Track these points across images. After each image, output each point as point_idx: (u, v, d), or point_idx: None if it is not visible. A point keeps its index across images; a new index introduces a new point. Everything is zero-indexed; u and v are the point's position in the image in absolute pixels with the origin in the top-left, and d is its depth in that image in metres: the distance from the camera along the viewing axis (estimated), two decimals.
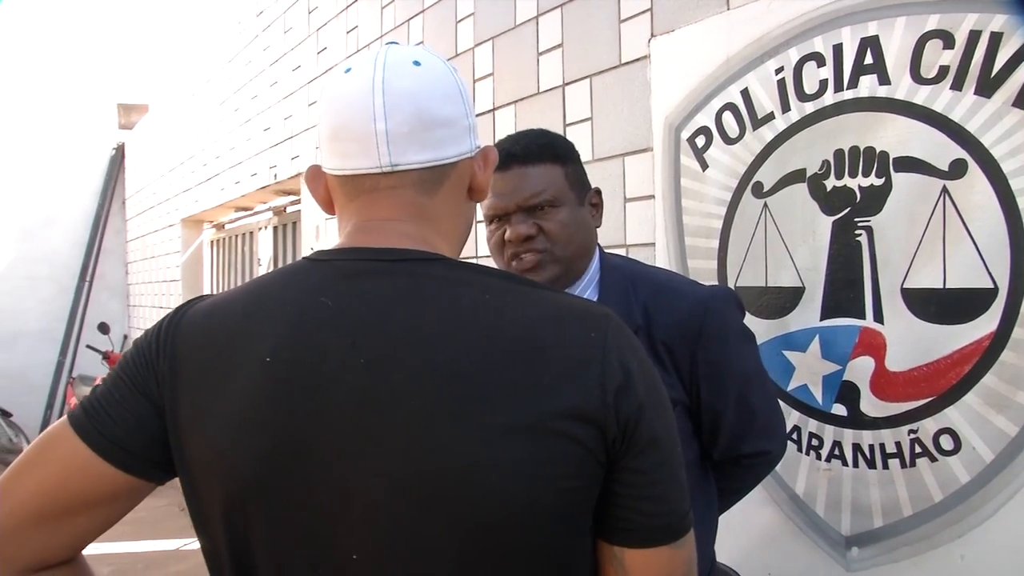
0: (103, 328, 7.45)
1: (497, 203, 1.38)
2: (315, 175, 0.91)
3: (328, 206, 0.92)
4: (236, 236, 6.64)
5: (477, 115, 2.89)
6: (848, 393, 1.71)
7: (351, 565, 0.75)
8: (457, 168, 0.88)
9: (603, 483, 0.78)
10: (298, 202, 5.05)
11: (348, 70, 0.86)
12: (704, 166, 2.03)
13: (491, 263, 1.45)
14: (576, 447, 0.74)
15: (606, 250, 2.26)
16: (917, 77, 1.59)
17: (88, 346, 8.42)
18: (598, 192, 1.49)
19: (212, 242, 7.33)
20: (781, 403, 1.80)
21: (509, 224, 1.37)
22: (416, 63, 0.85)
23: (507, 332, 0.77)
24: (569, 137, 2.42)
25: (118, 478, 0.81)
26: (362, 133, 0.82)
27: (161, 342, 0.84)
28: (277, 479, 0.76)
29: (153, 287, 8.58)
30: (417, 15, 3.35)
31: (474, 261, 2.91)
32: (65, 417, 0.84)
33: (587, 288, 1.43)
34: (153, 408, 0.82)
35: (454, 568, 0.73)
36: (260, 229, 6.05)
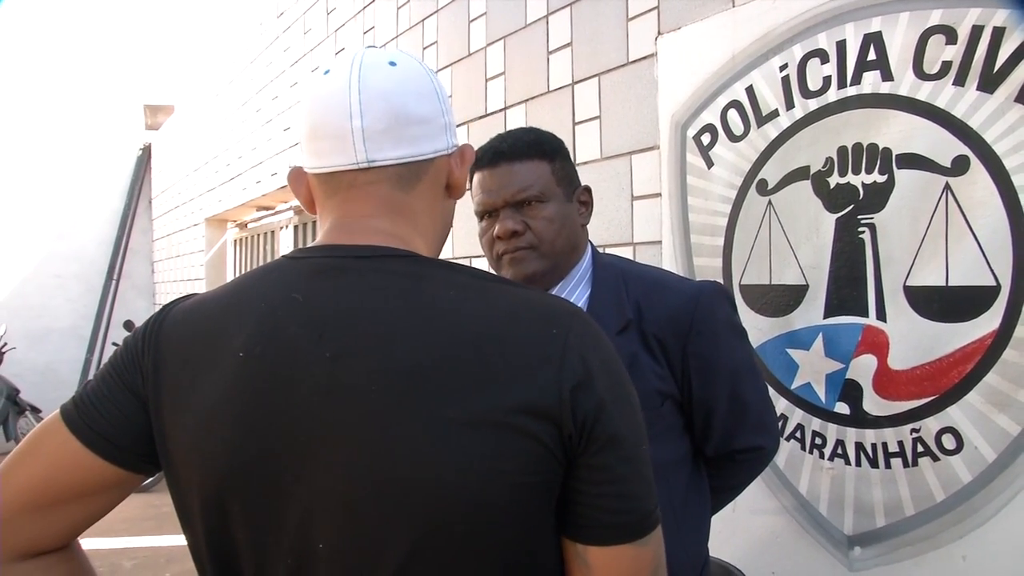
0: (129, 326, 7.54)
1: (486, 199, 1.41)
2: (297, 176, 0.93)
3: (310, 205, 0.93)
4: (258, 235, 6.71)
5: (489, 114, 2.93)
6: (851, 391, 1.70)
7: (318, 553, 0.77)
8: (434, 165, 0.89)
9: (565, 480, 0.78)
10: None
11: (327, 72, 0.88)
12: (710, 164, 2.02)
13: (484, 262, 1.46)
14: (532, 443, 0.74)
15: (614, 248, 2.28)
16: (920, 73, 1.58)
17: (115, 344, 8.53)
18: (587, 190, 1.50)
19: (235, 241, 7.42)
20: (785, 401, 1.81)
21: (498, 220, 1.39)
22: (392, 63, 0.87)
23: (468, 328, 0.78)
24: (578, 135, 2.44)
25: (106, 470, 0.84)
26: (339, 131, 0.84)
27: (146, 340, 0.86)
28: (251, 470, 0.78)
29: (178, 286, 8.68)
30: (431, 15, 3.37)
31: (466, 260, 2.93)
32: (57, 411, 0.87)
33: (579, 283, 1.44)
34: (139, 403, 0.84)
35: (406, 560, 0.74)
36: (281, 228, 6.11)
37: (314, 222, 5.36)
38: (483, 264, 2.95)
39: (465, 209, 2.95)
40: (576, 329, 0.80)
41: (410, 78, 0.87)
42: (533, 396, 0.75)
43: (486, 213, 1.42)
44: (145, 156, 10.29)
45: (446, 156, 0.91)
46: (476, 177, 1.44)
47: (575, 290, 1.43)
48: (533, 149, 1.41)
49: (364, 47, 0.90)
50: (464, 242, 3.11)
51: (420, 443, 0.74)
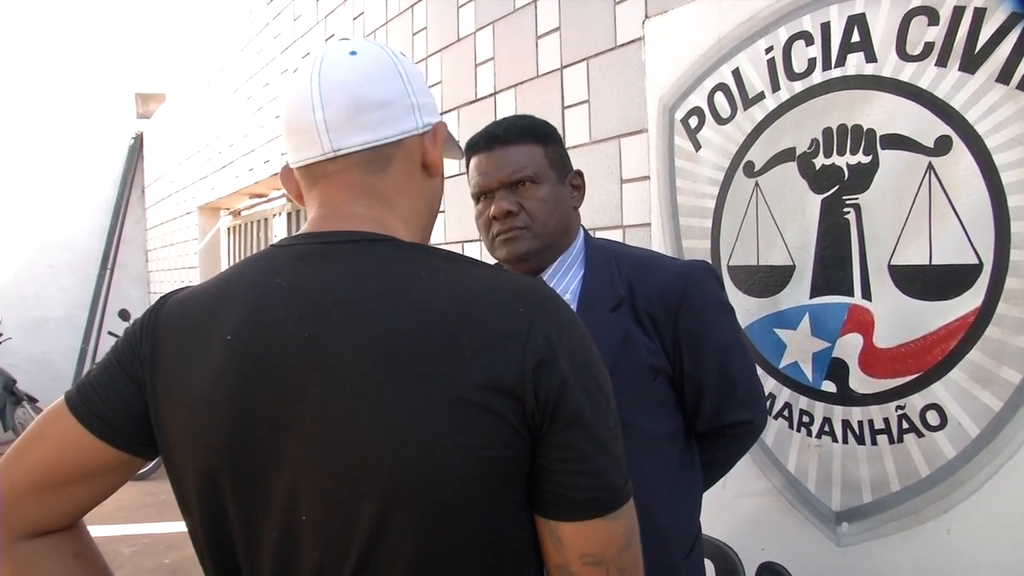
0: (124, 315, 7.55)
1: (481, 181, 1.45)
2: (286, 173, 0.98)
3: (300, 199, 0.98)
4: (252, 223, 6.71)
5: (479, 99, 2.93)
6: (837, 370, 1.72)
7: (301, 526, 0.81)
8: (404, 146, 0.92)
9: (533, 458, 0.80)
10: None
11: (296, 70, 0.92)
12: (697, 146, 2.04)
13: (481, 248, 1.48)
14: (495, 418, 0.77)
15: (604, 231, 2.29)
16: (903, 54, 1.59)
17: (110, 332, 8.56)
18: (579, 174, 1.54)
19: (228, 229, 7.41)
20: (773, 380, 1.83)
21: (493, 201, 1.44)
22: (353, 53, 0.90)
23: (437, 307, 0.81)
24: (567, 119, 2.45)
25: (108, 453, 0.88)
26: (305, 125, 0.88)
27: (144, 328, 0.91)
28: (240, 448, 0.82)
29: (172, 274, 8.69)
30: (421, 0, 3.37)
31: (477, 243, 2.94)
32: (62, 397, 0.92)
33: (573, 264, 1.48)
34: (137, 388, 0.89)
35: (376, 531, 0.77)
36: (275, 215, 6.11)
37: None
38: (475, 249, 2.96)
39: (456, 194, 2.96)
40: (544, 308, 0.82)
41: (370, 64, 0.90)
42: (496, 372, 0.77)
43: (482, 195, 1.47)
44: (137, 145, 10.26)
45: (417, 136, 0.93)
46: (472, 161, 1.48)
47: (569, 270, 1.47)
48: (527, 133, 1.45)
49: (338, 40, 0.93)
50: (456, 227, 3.12)
51: (389, 418, 0.77)
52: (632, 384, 1.35)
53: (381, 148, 0.90)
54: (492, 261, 1.53)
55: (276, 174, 5.18)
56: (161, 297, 0.95)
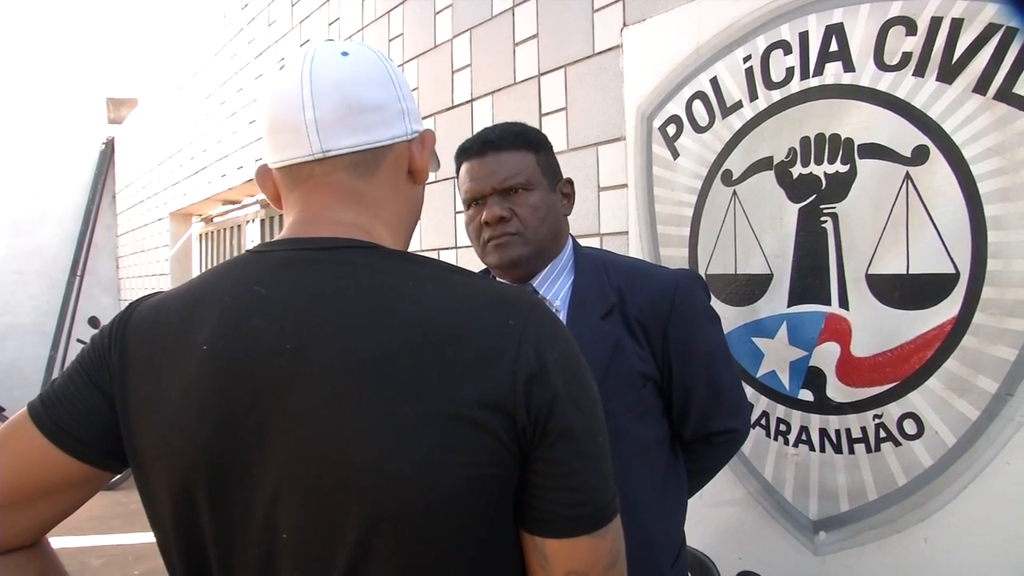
0: (93, 322, 7.42)
1: (474, 187, 1.44)
2: (263, 172, 0.93)
3: (276, 201, 0.94)
4: (224, 229, 6.65)
5: (456, 106, 2.92)
6: (815, 379, 1.72)
7: (280, 543, 0.77)
8: (393, 151, 0.89)
9: (521, 473, 0.78)
10: None
11: (282, 66, 0.88)
12: (675, 155, 2.03)
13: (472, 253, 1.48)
14: (486, 435, 0.74)
15: (581, 239, 2.28)
16: (881, 64, 1.59)
17: (79, 340, 8.42)
18: (570, 182, 1.55)
19: (201, 235, 7.34)
20: (750, 389, 1.83)
21: (485, 206, 1.43)
22: (344, 53, 0.87)
23: (425, 319, 0.78)
24: (544, 127, 2.44)
25: (72, 466, 0.84)
26: (293, 124, 0.84)
27: (113, 337, 0.87)
28: (216, 462, 0.78)
29: (143, 281, 8.58)
30: (397, 6, 3.35)
31: (454, 250, 2.92)
32: (25, 408, 0.87)
33: (563, 271, 1.48)
34: (105, 399, 0.85)
35: (361, 550, 0.74)
36: (248, 222, 6.05)
37: (281, 216, 5.33)
38: (451, 256, 2.95)
39: (433, 201, 2.94)
40: (534, 321, 0.80)
41: (363, 66, 0.87)
42: (487, 388, 0.75)
43: (473, 201, 1.46)
44: (108, 150, 10.14)
45: (406, 142, 0.91)
46: (464, 167, 1.47)
47: (559, 277, 1.47)
48: (520, 139, 1.45)
49: (323, 40, 0.90)
50: (432, 234, 3.10)
51: (375, 434, 0.74)
52: (623, 391, 1.35)
53: (371, 152, 0.87)
54: (479, 268, 1.51)
55: (249, 180, 5.13)
56: (130, 303, 0.91)
